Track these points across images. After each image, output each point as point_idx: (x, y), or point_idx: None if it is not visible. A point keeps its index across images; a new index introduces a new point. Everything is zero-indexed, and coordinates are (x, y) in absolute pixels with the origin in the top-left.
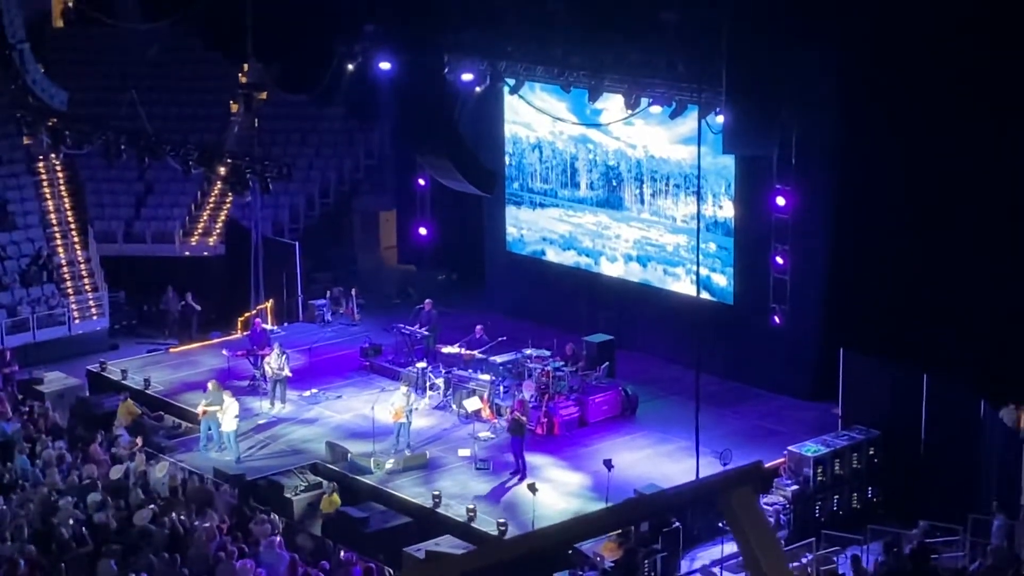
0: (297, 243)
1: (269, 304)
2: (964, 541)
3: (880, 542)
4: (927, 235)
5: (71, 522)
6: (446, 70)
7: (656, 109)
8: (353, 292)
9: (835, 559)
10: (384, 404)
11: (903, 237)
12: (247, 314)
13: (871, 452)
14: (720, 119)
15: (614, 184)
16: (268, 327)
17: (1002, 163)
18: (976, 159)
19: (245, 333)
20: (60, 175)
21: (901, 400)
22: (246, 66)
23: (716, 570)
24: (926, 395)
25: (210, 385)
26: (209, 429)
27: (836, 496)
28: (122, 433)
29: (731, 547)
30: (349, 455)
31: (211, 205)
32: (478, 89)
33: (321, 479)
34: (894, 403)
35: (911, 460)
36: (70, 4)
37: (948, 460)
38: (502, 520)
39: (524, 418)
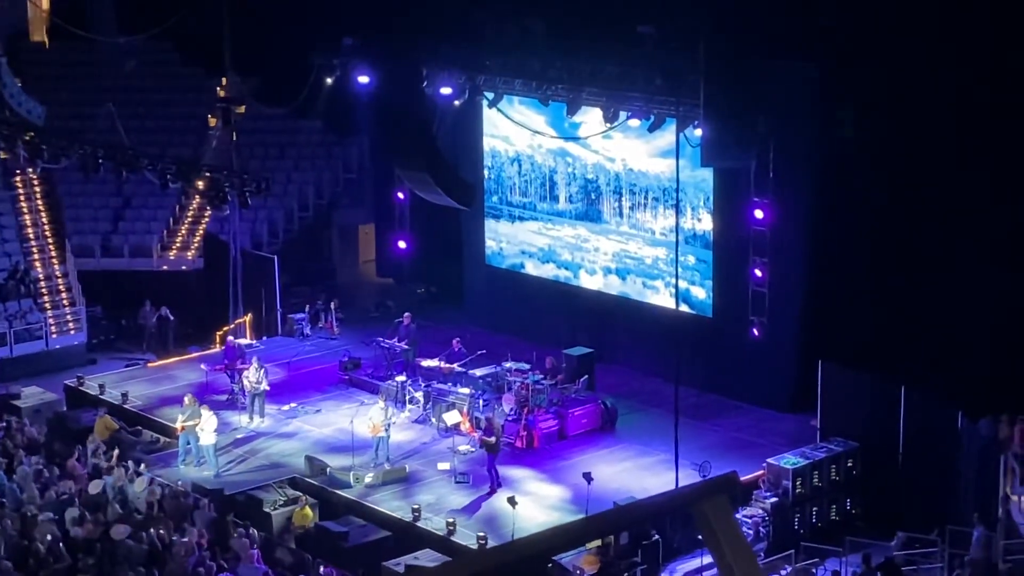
0: (276, 257)
1: (248, 318)
2: (942, 552)
3: (859, 554)
4: (905, 247)
5: (49, 538)
6: (425, 84)
7: (634, 122)
8: (332, 306)
9: (814, 571)
10: (363, 418)
11: (881, 249)
12: (225, 328)
13: (849, 464)
14: (698, 132)
15: (593, 197)
16: (243, 342)
17: (980, 177)
18: (954, 172)
19: (222, 348)
20: (37, 189)
21: (879, 412)
22: (224, 80)
23: None
24: (904, 407)
25: (186, 399)
26: (188, 443)
27: (815, 508)
28: (97, 445)
29: (710, 559)
30: (328, 469)
31: (189, 219)
32: (457, 103)
33: (300, 493)
34: (872, 415)
35: (889, 472)
36: (43, 15)
37: (926, 472)
38: (482, 533)
39: (492, 439)
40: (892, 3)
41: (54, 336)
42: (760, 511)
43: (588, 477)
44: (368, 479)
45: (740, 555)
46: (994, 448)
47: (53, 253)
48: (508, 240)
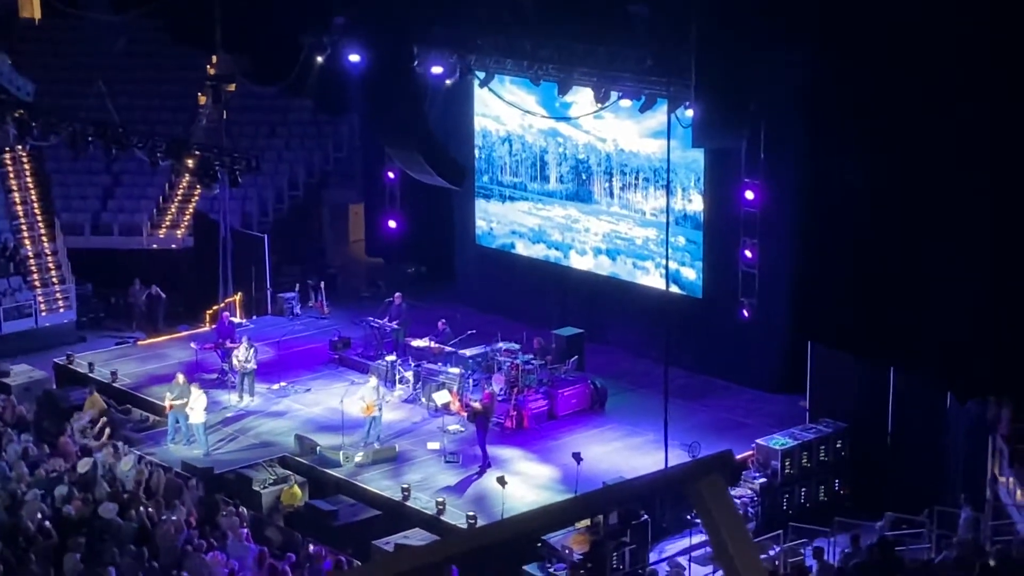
0: (266, 236)
1: (238, 297)
2: (930, 533)
3: (847, 534)
4: (894, 229)
5: (38, 516)
6: (415, 63)
7: (626, 103)
8: (322, 285)
9: (802, 551)
10: (353, 397)
11: (871, 231)
12: (215, 307)
13: (838, 445)
14: (689, 113)
15: (583, 178)
16: (236, 320)
17: (969, 158)
18: (943, 153)
19: (213, 326)
20: (26, 167)
21: (868, 393)
22: (214, 58)
23: (684, 561)
24: (893, 388)
25: (178, 378)
26: (177, 422)
27: (803, 489)
28: (85, 423)
29: (700, 539)
30: (318, 448)
31: (179, 197)
32: (448, 82)
33: (289, 472)
34: (861, 396)
35: (878, 453)
36: None
37: (914, 453)
38: (471, 513)
39: (478, 405)
40: None
41: (43, 314)
42: (749, 492)
43: (577, 457)
44: (358, 458)
45: (735, 535)
46: (982, 430)
47: (42, 231)
48: (498, 220)
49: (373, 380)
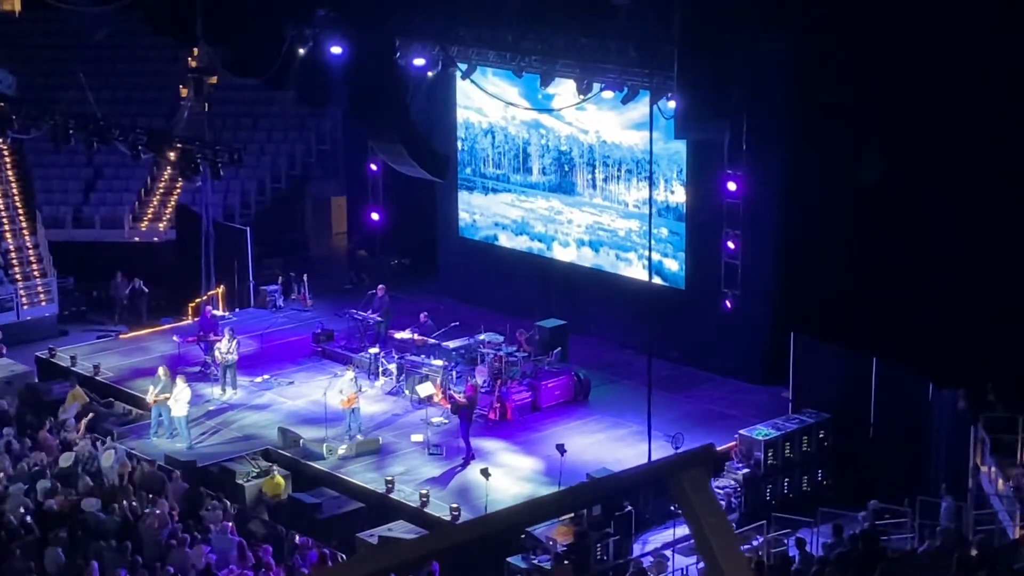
0: (248, 228)
1: (220, 290)
2: (913, 523)
3: (830, 524)
4: (876, 220)
5: (21, 510)
6: (397, 55)
7: (608, 94)
8: (304, 278)
9: (785, 542)
10: (331, 391)
11: (853, 222)
12: (198, 300)
13: (821, 435)
14: (672, 104)
15: (566, 169)
16: (219, 313)
17: (950, 149)
18: (925, 145)
19: (195, 319)
20: (7, 160)
21: (851, 384)
22: (196, 50)
23: (668, 553)
24: (875, 379)
25: (160, 371)
26: (160, 415)
27: (786, 479)
28: (69, 417)
29: (683, 530)
30: (301, 441)
31: (161, 190)
32: (430, 74)
33: (273, 465)
34: (844, 387)
35: (860, 443)
36: None
37: (897, 443)
38: (455, 505)
39: (461, 397)
40: None
41: (25, 307)
42: (732, 482)
43: (561, 449)
44: (341, 451)
45: (717, 528)
46: (965, 419)
47: (24, 224)
48: (481, 212)
49: (350, 373)
